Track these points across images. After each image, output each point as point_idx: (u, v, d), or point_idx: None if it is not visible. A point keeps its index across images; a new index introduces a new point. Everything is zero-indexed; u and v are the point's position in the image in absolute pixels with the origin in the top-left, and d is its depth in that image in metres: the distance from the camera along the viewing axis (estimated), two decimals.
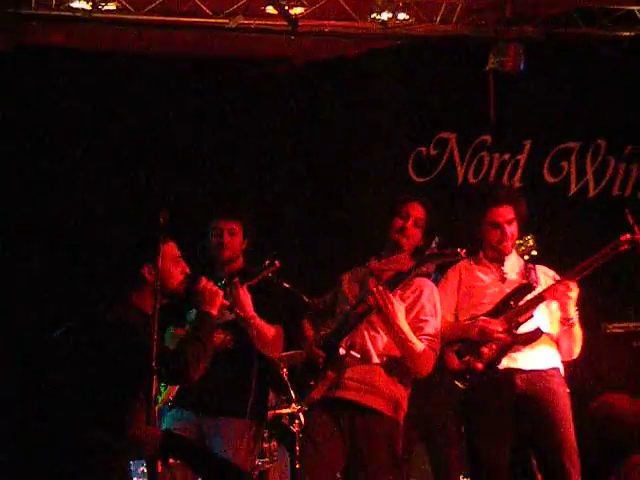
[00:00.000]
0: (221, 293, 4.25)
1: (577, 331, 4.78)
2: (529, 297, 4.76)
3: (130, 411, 4.07)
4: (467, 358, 4.75)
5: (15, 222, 6.96)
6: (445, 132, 7.26)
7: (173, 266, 4.23)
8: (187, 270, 4.29)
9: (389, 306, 4.46)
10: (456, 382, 4.78)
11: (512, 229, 4.84)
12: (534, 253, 5.02)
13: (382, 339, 4.58)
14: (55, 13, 5.93)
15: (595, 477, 3.46)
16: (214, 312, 4.23)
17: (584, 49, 6.55)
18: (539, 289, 4.77)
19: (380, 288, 4.48)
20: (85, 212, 7.18)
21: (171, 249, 4.25)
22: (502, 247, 4.85)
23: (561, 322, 4.76)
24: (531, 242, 5.06)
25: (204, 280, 4.25)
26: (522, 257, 5.02)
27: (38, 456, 5.73)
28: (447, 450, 5.35)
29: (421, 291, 4.64)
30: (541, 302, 4.75)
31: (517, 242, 5.00)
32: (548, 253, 5.75)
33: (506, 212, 4.83)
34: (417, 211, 4.71)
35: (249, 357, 4.86)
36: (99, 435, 4.02)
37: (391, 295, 4.48)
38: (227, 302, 4.36)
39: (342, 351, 4.50)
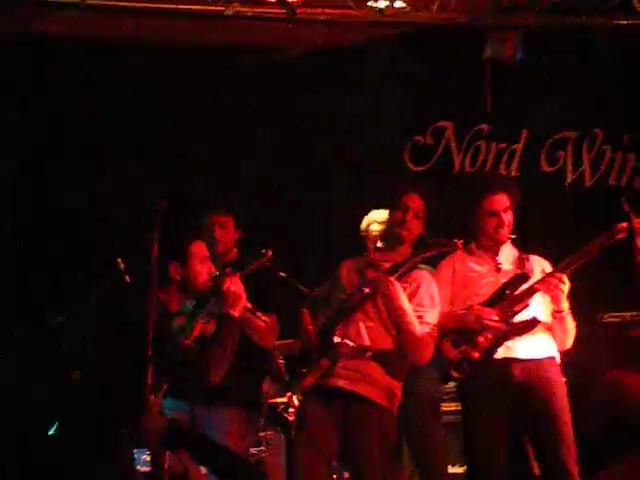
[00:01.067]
0: (244, 295, 4.20)
1: (569, 323, 4.79)
2: (524, 287, 4.76)
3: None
4: (463, 348, 4.75)
5: (21, 215, 6.96)
6: (442, 121, 7.25)
7: (200, 265, 4.22)
8: (213, 270, 4.27)
9: (390, 287, 4.47)
10: (452, 372, 4.78)
11: (508, 217, 4.85)
12: (512, 236, 5.01)
13: (377, 329, 4.58)
14: (50, 0, 5.90)
15: (600, 462, 3.43)
16: (236, 314, 4.17)
17: (581, 38, 6.54)
18: (534, 279, 4.77)
19: (380, 273, 4.50)
20: (84, 201, 7.19)
21: (199, 248, 4.25)
22: (499, 235, 4.85)
23: (552, 315, 4.76)
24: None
25: (228, 281, 4.20)
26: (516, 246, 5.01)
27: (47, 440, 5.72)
28: (431, 452, 5.31)
29: (419, 283, 4.66)
30: (536, 293, 4.75)
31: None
32: (543, 242, 5.75)
33: (502, 200, 4.83)
34: (415, 202, 4.72)
35: (241, 347, 4.86)
36: (110, 422, 4.03)
37: (392, 278, 4.49)
38: (250, 305, 4.28)
39: (336, 339, 4.51)
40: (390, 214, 4.76)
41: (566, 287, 4.68)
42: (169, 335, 4.11)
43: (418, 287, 4.64)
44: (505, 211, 4.84)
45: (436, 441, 5.28)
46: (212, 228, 5.10)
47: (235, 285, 4.18)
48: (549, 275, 4.73)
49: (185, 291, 4.22)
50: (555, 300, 4.72)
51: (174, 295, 4.22)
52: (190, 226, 4.28)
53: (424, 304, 4.62)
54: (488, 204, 4.83)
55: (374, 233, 5.18)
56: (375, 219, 5.25)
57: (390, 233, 4.73)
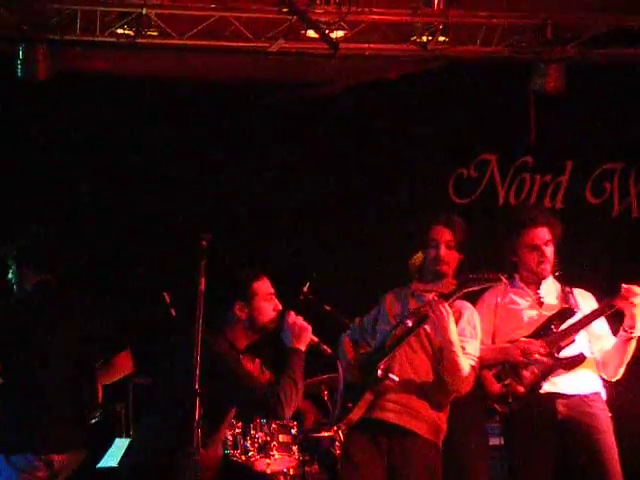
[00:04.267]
0: (309, 328, 4.22)
1: (631, 348, 4.71)
2: (570, 322, 4.72)
3: (211, 437, 4.13)
4: (508, 381, 4.71)
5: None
6: (486, 154, 7.24)
7: (265, 302, 4.25)
8: (279, 307, 4.29)
9: (443, 312, 4.45)
10: (496, 406, 4.74)
11: (550, 250, 4.81)
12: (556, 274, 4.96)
13: (421, 361, 4.57)
14: (99, 39, 5.99)
15: None
16: (303, 348, 4.19)
17: (625, 69, 6.50)
18: (579, 314, 4.73)
19: (436, 298, 4.48)
20: (128, 237, 7.28)
21: (264, 285, 4.28)
22: (541, 269, 4.81)
23: (623, 329, 4.66)
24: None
25: (292, 315, 4.22)
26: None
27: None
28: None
29: (461, 313, 4.64)
30: (587, 325, 4.71)
31: None
32: (591, 274, 5.71)
33: (543, 234, 4.80)
34: (444, 234, 4.69)
35: None
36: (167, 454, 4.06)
37: (446, 305, 4.48)
38: (316, 339, 4.28)
39: (380, 373, 4.50)
40: (423, 251, 4.74)
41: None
42: (238, 373, 4.12)
43: (460, 317, 4.62)
44: (546, 245, 4.81)
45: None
46: None
47: (300, 318, 4.20)
48: (630, 289, 4.61)
49: (251, 329, 4.24)
50: (630, 314, 4.60)
51: (240, 333, 4.25)
52: (254, 264, 4.30)
53: (466, 334, 4.61)
54: (529, 238, 4.80)
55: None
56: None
57: (430, 270, 4.72)
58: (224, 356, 4.14)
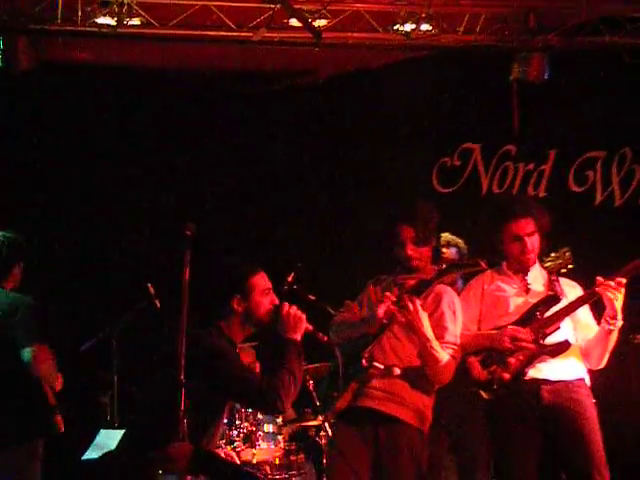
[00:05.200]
0: (304, 317, 4.19)
1: (613, 339, 4.73)
2: (555, 309, 4.74)
3: (209, 430, 4.12)
4: (493, 368, 4.73)
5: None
6: (469, 143, 7.26)
7: (263, 297, 4.22)
8: (276, 301, 4.26)
9: (415, 314, 4.45)
10: (481, 392, 4.76)
11: (533, 241, 4.80)
12: (570, 266, 4.96)
13: (404, 348, 4.58)
14: (81, 29, 5.96)
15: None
16: (298, 338, 4.16)
17: (608, 57, 6.52)
18: (564, 301, 4.74)
19: (406, 296, 4.48)
20: (113, 227, 7.26)
21: (261, 280, 4.25)
22: (525, 259, 4.82)
23: (605, 320, 4.66)
24: (568, 255, 5.01)
25: (286, 306, 4.19)
26: (555, 270, 4.95)
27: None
28: (473, 464, 5.32)
29: (440, 298, 4.64)
30: (567, 315, 4.73)
31: (553, 255, 4.93)
32: (575, 262, 5.72)
33: (526, 225, 4.79)
34: (407, 232, 4.66)
35: None
36: (141, 445, 4.04)
37: (417, 302, 4.48)
38: (310, 327, 4.24)
39: (364, 362, 4.50)
40: (395, 248, 4.73)
41: (621, 292, 4.59)
42: (236, 368, 4.10)
43: (440, 302, 4.62)
44: (529, 235, 4.80)
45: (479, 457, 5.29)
46: None
47: (294, 308, 4.18)
48: (609, 278, 4.63)
49: (247, 322, 4.22)
50: (611, 305, 4.61)
51: (237, 327, 4.22)
52: (251, 259, 4.28)
53: (446, 318, 4.60)
54: (512, 229, 4.80)
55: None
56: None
57: (404, 266, 4.72)
58: (222, 350, 4.11)
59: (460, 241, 5.67)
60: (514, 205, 4.95)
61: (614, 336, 4.72)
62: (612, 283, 4.60)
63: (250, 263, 4.28)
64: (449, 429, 5.23)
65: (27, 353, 4.97)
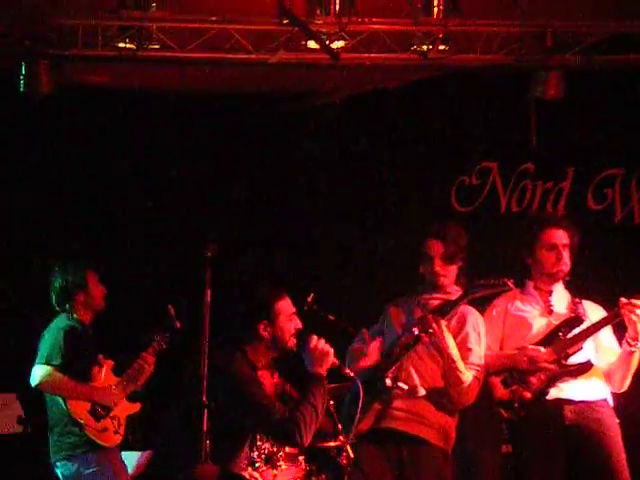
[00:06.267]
0: (332, 352, 4.17)
1: (635, 361, 4.73)
2: (577, 330, 4.72)
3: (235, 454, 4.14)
4: (515, 387, 4.72)
5: None
6: (487, 161, 7.25)
7: (287, 322, 4.24)
8: (300, 326, 4.28)
9: (436, 328, 4.46)
10: (502, 411, 4.75)
11: (567, 254, 4.80)
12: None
13: (428, 369, 4.58)
14: (100, 53, 6.00)
15: None
16: (324, 373, 4.16)
17: (625, 75, 6.52)
18: (587, 322, 4.73)
19: (431, 316, 4.48)
20: (133, 248, 7.30)
21: (286, 305, 4.27)
22: (558, 270, 4.80)
23: (626, 342, 4.67)
24: None
25: (314, 339, 4.18)
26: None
27: None
28: None
29: (465, 319, 4.65)
30: (590, 336, 4.71)
31: None
32: (594, 281, 5.71)
33: (562, 235, 4.80)
34: (436, 248, 4.69)
35: None
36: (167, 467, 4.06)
37: (442, 323, 4.48)
38: (337, 361, 4.25)
39: (388, 382, 4.51)
40: (420, 265, 4.74)
41: None
42: (257, 400, 4.10)
43: (465, 323, 4.62)
44: (564, 247, 4.80)
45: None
46: None
47: (322, 341, 4.17)
48: (630, 300, 4.64)
49: (272, 347, 4.24)
50: (633, 326, 4.62)
51: (262, 351, 4.24)
52: (278, 284, 4.31)
53: (470, 340, 4.61)
54: (548, 237, 4.80)
55: None
56: None
57: (429, 283, 4.73)
58: (245, 379, 4.12)
59: None
60: (552, 216, 4.95)
61: (636, 358, 4.70)
62: (637, 303, 4.58)
63: (275, 288, 4.29)
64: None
65: None
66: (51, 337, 5.52)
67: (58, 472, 5.53)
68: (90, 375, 5.62)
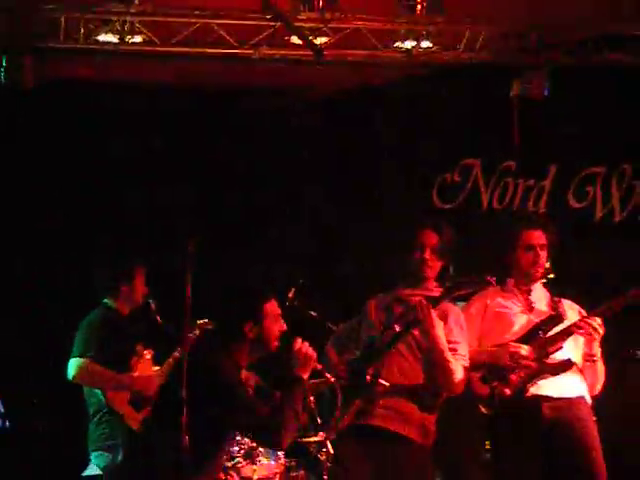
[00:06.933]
0: (315, 356, 4.18)
1: (600, 368, 4.79)
2: (558, 329, 4.75)
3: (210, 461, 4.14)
4: (495, 384, 4.74)
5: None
6: (469, 158, 7.27)
7: (273, 324, 4.24)
8: (284, 328, 4.28)
9: (429, 314, 4.46)
10: (481, 407, 4.77)
11: (543, 254, 4.83)
12: (551, 276, 4.99)
13: (409, 365, 4.59)
14: (83, 46, 5.99)
15: None
16: (306, 377, 4.17)
17: (609, 75, 6.55)
18: (567, 322, 4.76)
19: (423, 301, 4.49)
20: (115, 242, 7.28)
21: (273, 307, 4.26)
22: (534, 271, 4.84)
23: (584, 358, 4.75)
24: (547, 265, 5.04)
25: (299, 342, 4.18)
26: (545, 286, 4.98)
27: None
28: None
29: (447, 315, 4.66)
30: (570, 335, 4.74)
31: None
32: (573, 279, 5.74)
33: (540, 236, 4.83)
34: (431, 238, 4.71)
35: None
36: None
37: (432, 310, 4.50)
38: (320, 365, 4.27)
39: (369, 378, 4.52)
40: (409, 253, 4.76)
41: (600, 331, 4.67)
42: (242, 400, 4.10)
43: (447, 319, 4.63)
44: (542, 248, 4.83)
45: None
46: None
47: (306, 345, 4.17)
48: (587, 318, 4.71)
49: (256, 348, 4.23)
50: (588, 344, 4.71)
51: (245, 351, 4.23)
52: (265, 285, 4.31)
53: (455, 334, 4.63)
54: (526, 238, 4.83)
55: None
56: None
57: (413, 273, 4.74)
58: (230, 381, 4.11)
59: None
60: (530, 216, 4.98)
61: (600, 365, 4.76)
62: (592, 321, 4.64)
63: (263, 289, 4.29)
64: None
65: None
66: (87, 329, 5.53)
67: (93, 463, 5.50)
68: (129, 365, 5.60)
